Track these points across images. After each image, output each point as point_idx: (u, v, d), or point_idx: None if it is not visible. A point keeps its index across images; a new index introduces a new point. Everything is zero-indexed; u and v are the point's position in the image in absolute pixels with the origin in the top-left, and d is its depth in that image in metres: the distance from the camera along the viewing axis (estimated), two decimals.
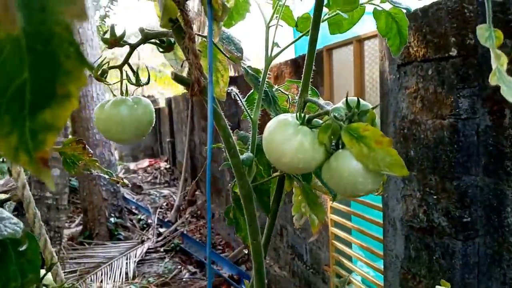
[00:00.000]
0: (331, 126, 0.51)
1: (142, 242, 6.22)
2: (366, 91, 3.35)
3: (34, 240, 0.45)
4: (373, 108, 0.52)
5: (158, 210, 7.85)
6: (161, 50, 0.60)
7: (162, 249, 6.02)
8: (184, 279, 5.19)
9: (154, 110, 0.64)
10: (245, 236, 0.65)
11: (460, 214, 2.04)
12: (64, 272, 5.07)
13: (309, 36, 0.58)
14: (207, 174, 0.48)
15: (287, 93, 0.75)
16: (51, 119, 0.22)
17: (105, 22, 9.72)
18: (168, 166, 10.90)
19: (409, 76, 2.48)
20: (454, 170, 2.02)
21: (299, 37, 0.69)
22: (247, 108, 0.66)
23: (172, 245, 6.08)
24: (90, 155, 0.63)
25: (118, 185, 7.15)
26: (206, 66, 0.65)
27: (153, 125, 0.63)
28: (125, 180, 0.67)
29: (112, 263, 5.60)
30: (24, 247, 0.41)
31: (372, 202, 2.86)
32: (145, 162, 11.79)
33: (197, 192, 7.67)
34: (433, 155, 2.20)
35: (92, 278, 5.19)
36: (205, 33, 0.62)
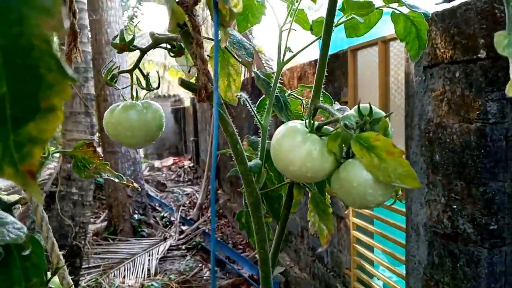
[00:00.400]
0: (341, 135, 0.49)
1: (165, 239, 6.29)
2: (391, 92, 3.29)
3: (39, 244, 0.46)
4: (386, 117, 0.50)
5: (181, 208, 7.93)
6: (172, 54, 0.60)
7: (183, 247, 6.08)
8: (204, 277, 5.22)
9: (163, 114, 0.63)
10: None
11: (486, 221, 1.98)
12: (88, 267, 5.19)
13: (321, 41, 0.56)
14: (212, 181, 0.47)
15: (301, 97, 0.74)
16: (36, 132, 0.21)
17: (133, 22, 9.88)
18: (191, 164, 11.00)
19: (436, 78, 2.43)
20: (481, 176, 1.96)
21: (313, 41, 0.68)
22: (256, 114, 0.65)
23: (194, 243, 6.13)
24: (101, 158, 0.63)
25: (142, 182, 7.27)
26: (218, 69, 0.65)
27: (163, 129, 0.63)
28: (135, 184, 0.67)
29: (135, 259, 5.69)
30: (27, 252, 0.42)
31: (395, 206, 2.80)
32: (169, 160, 11.94)
33: (219, 191, 7.71)
34: (459, 160, 2.14)
35: (115, 274, 5.28)
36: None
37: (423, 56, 2.55)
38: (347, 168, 0.50)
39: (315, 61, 4.03)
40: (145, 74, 0.63)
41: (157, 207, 8.05)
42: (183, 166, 11.13)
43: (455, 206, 2.20)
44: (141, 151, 12.76)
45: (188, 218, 7.26)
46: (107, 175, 0.65)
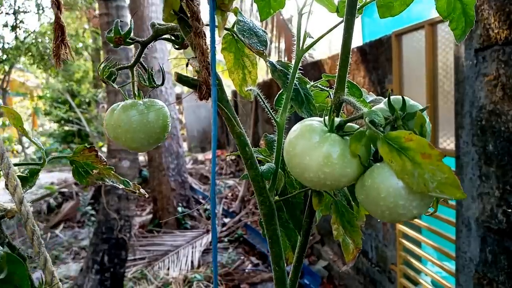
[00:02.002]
0: (366, 134, 0.41)
1: (208, 231, 6.36)
2: (439, 78, 3.12)
3: (21, 264, 0.42)
4: (422, 110, 0.42)
5: (224, 200, 7.99)
6: (176, 47, 0.54)
7: (226, 239, 6.12)
8: (246, 270, 5.23)
9: (168, 114, 0.57)
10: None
11: None
12: (134, 259, 5.34)
13: (344, 23, 0.48)
14: (211, 188, 0.41)
15: (327, 89, 0.66)
16: None
17: None
18: (233, 157, 11.05)
19: (489, 62, 2.26)
20: None
21: (337, 25, 0.60)
22: (272, 110, 0.58)
23: (236, 235, 6.15)
24: (104, 163, 0.58)
25: (185, 175, 7.38)
26: (232, 60, 0.58)
27: (168, 131, 0.57)
28: (141, 190, 0.62)
29: (178, 251, 5.79)
30: (2, 275, 0.38)
31: None
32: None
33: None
34: None
35: (160, 266, 5.39)
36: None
37: (474, 38, 2.37)
38: (373, 175, 0.42)
39: (358, 48, 3.89)
40: (148, 69, 0.57)
41: (201, 200, 8.16)
42: (225, 159, 11.20)
43: (511, 200, 2.05)
44: (185, 145, 13.00)
45: (231, 210, 7.29)
46: (112, 181, 0.60)
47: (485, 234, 2.24)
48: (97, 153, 0.58)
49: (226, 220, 6.90)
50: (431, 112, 3.15)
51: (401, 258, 3.21)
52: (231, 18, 0.53)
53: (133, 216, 5.23)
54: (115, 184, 0.59)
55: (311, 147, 0.44)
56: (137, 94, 0.58)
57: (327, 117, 0.45)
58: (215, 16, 0.36)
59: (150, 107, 0.56)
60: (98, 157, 0.58)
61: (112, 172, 0.60)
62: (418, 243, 3.06)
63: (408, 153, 0.38)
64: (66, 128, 13.00)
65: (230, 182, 9.29)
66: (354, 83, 0.58)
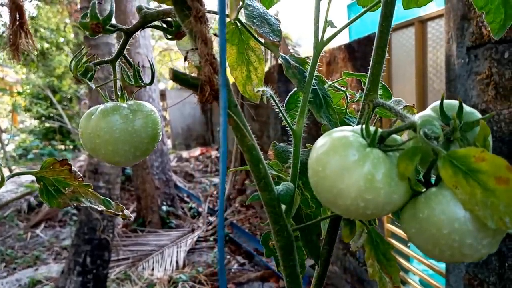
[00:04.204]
0: (420, 151, 0.32)
1: (193, 230, 6.25)
2: (429, 77, 3.08)
3: None
4: (484, 118, 0.33)
5: (209, 198, 7.88)
6: (168, 36, 0.44)
7: (211, 238, 6.02)
8: (232, 270, 5.15)
9: (159, 119, 0.47)
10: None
11: None
12: (118, 259, 5.21)
13: (380, 11, 0.39)
14: (220, 204, 0.32)
15: (343, 89, 0.57)
16: None
17: None
18: (219, 154, 10.92)
19: (481, 60, 2.22)
20: None
21: (363, 13, 0.51)
22: (286, 115, 0.48)
23: None
24: (80, 179, 0.48)
25: (170, 173, 7.27)
26: (235, 54, 0.49)
27: (158, 141, 0.47)
28: (125, 212, 0.53)
29: (163, 251, 5.68)
30: None
31: None
32: (197, 151, 11.91)
33: (246, 181, 7.61)
34: (508, 150, 1.96)
35: (144, 266, 5.28)
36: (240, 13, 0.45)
37: (466, 36, 2.33)
38: (431, 204, 0.32)
39: (346, 45, 3.83)
40: (133, 64, 0.47)
41: (186, 198, 8.04)
42: (211, 156, 11.08)
43: None
44: (169, 142, 12.82)
45: (216, 208, 7.20)
46: (90, 201, 0.50)
47: None
48: (71, 168, 0.48)
49: (212, 218, 6.80)
50: (421, 110, 3.11)
51: (403, 229, 3.18)
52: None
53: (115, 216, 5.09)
54: (93, 206, 0.49)
55: (348, 167, 0.34)
56: (120, 95, 0.48)
57: (363, 127, 0.35)
58: None
59: (136, 112, 0.45)
60: (72, 172, 0.48)
61: (90, 190, 0.50)
62: (406, 242, 3.03)
63: (479, 177, 0.29)
64: (47, 124, 12.73)
65: (216, 180, 9.18)
66: (384, 84, 0.49)
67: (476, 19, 2.13)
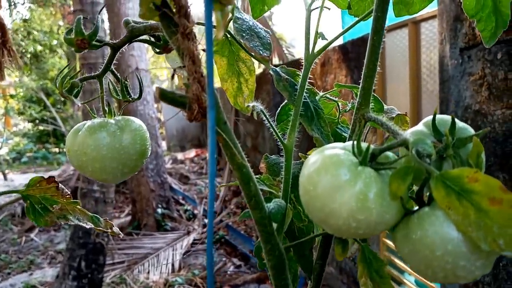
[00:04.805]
0: (412, 170, 0.31)
1: (188, 233, 6.23)
2: (422, 78, 3.09)
3: None
4: (478, 135, 0.32)
5: (204, 200, 7.87)
6: (157, 50, 0.44)
7: (207, 241, 6.00)
8: (228, 272, 5.14)
9: (147, 135, 0.46)
10: None
11: None
12: (113, 263, 5.18)
13: (371, 25, 0.39)
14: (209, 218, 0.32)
15: (335, 99, 0.56)
16: None
17: None
18: (214, 156, 10.88)
19: (474, 61, 2.22)
20: None
21: (354, 24, 0.50)
22: (277, 129, 0.47)
23: (217, 236, 6.05)
24: (68, 196, 0.47)
25: (164, 175, 7.25)
26: (225, 66, 0.48)
27: (147, 156, 0.46)
28: (115, 229, 0.52)
29: (159, 254, 5.66)
30: None
31: None
32: (192, 152, 11.88)
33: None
34: (502, 150, 1.96)
35: (140, 269, 5.25)
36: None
37: (459, 36, 2.34)
38: (424, 225, 0.31)
39: (340, 46, 3.83)
40: (121, 79, 0.46)
41: (181, 200, 8.02)
42: (206, 158, 11.06)
43: None
44: (164, 144, 12.78)
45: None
46: (78, 218, 0.49)
47: None
48: (58, 185, 0.47)
49: (207, 221, 6.78)
50: (415, 112, 3.13)
51: (385, 258, 3.18)
52: None
53: (111, 220, 5.05)
54: (81, 223, 0.48)
55: (339, 187, 0.33)
56: (107, 111, 0.47)
57: (355, 144, 0.34)
58: (213, 11, 0.26)
59: (124, 128, 0.44)
60: (59, 189, 0.47)
61: (78, 207, 0.49)
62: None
63: (472, 197, 0.28)
64: (41, 127, 12.66)
65: None
66: (376, 96, 0.48)
67: (469, 21, 2.14)
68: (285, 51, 7.37)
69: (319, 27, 0.47)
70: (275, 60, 6.32)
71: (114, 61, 0.46)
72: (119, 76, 0.46)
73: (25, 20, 9.76)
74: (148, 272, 5.21)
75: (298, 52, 7.58)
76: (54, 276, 5.07)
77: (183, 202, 8.00)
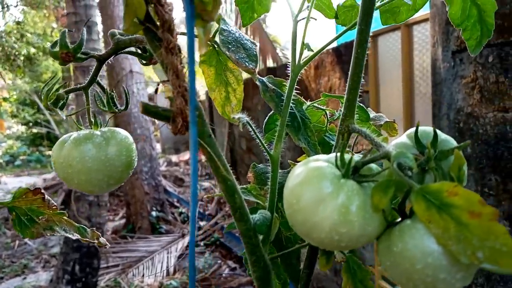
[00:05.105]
0: (394, 183, 0.32)
1: (183, 236, 6.21)
2: (415, 80, 3.11)
3: None
4: (460, 147, 0.33)
5: (199, 203, 7.86)
6: (143, 62, 0.44)
7: (202, 243, 5.99)
8: (223, 275, 5.13)
9: (134, 146, 0.46)
10: None
11: None
12: (107, 266, 5.16)
13: (355, 39, 0.39)
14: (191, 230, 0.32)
15: (323, 107, 0.56)
16: None
17: None
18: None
19: (466, 64, 2.24)
20: None
21: (341, 34, 0.50)
22: (263, 140, 0.48)
23: (212, 239, 6.03)
24: (54, 207, 0.47)
25: (159, 178, 7.23)
26: (213, 76, 0.49)
27: (133, 167, 0.46)
28: (101, 239, 0.52)
29: (153, 257, 5.63)
30: None
31: None
32: (186, 155, 11.85)
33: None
34: (494, 153, 1.98)
35: (134, 273, 5.23)
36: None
37: (451, 40, 2.36)
38: (404, 238, 0.31)
39: (333, 49, 3.84)
40: (106, 90, 0.46)
41: (175, 203, 8.00)
42: (200, 160, 11.05)
43: (489, 202, 2.03)
44: (158, 146, 12.75)
45: (206, 213, 7.17)
46: (64, 229, 0.48)
47: None
48: (44, 196, 0.47)
49: (202, 223, 6.77)
50: (408, 114, 3.14)
51: (379, 260, 3.18)
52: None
53: (105, 223, 5.04)
54: (68, 234, 0.48)
55: (322, 200, 0.33)
56: (93, 122, 0.47)
57: (338, 156, 0.35)
58: (195, 27, 0.26)
59: (109, 140, 0.44)
60: (45, 200, 0.47)
61: (65, 218, 0.48)
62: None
63: (452, 211, 0.28)
64: (35, 130, 12.60)
65: (206, 184, 9.15)
66: (361, 104, 0.49)
67: None
68: (280, 54, 7.39)
69: (308, 35, 0.48)
70: (270, 63, 6.34)
71: (109, 63, 0.46)
72: (105, 87, 0.46)
73: (18, 23, 9.72)
74: (143, 276, 5.19)
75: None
76: (48, 280, 5.04)
77: (177, 204, 7.98)
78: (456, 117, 2.26)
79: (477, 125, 2.11)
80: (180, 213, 7.38)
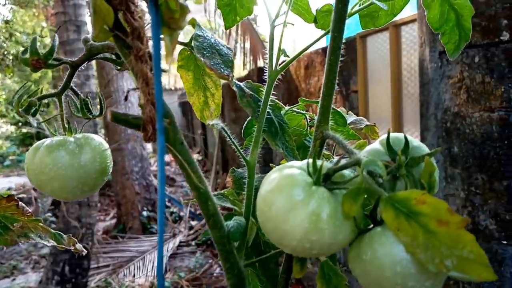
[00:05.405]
0: (363, 191, 0.32)
1: (174, 235, 6.20)
2: (403, 80, 3.13)
3: None
4: (430, 155, 0.33)
5: (190, 202, 7.84)
6: (118, 68, 0.43)
7: (193, 243, 5.98)
8: (214, 274, 5.13)
9: (108, 152, 0.46)
10: None
11: (510, 217, 1.85)
12: (98, 267, 5.13)
13: (329, 43, 0.39)
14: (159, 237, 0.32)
15: (303, 112, 0.56)
16: None
17: None
18: (200, 158, 10.87)
19: (453, 64, 2.27)
20: (504, 169, 1.83)
21: (318, 39, 0.50)
22: (239, 149, 0.47)
23: (204, 238, 6.03)
24: (29, 214, 0.46)
25: (150, 178, 7.20)
26: (191, 80, 0.48)
27: (108, 174, 0.46)
28: (78, 246, 0.51)
29: (144, 257, 5.61)
30: None
31: None
32: None
33: (228, 185, 7.59)
34: (480, 152, 2.00)
35: (125, 273, 5.20)
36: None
37: (438, 40, 2.38)
38: (374, 246, 0.31)
39: (323, 49, 3.85)
40: (81, 97, 0.46)
41: (167, 203, 7.98)
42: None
43: (475, 201, 2.07)
44: (149, 146, 12.69)
45: (198, 212, 7.15)
46: (40, 236, 0.48)
47: None
48: (18, 203, 0.46)
49: (194, 223, 6.76)
50: (396, 114, 3.17)
51: (350, 267, 3.20)
52: (189, 30, 0.43)
53: (95, 223, 5.01)
54: (43, 241, 0.47)
55: (293, 207, 0.33)
56: (67, 128, 0.46)
57: (310, 163, 0.34)
58: (162, 36, 0.26)
59: (83, 146, 0.44)
60: (19, 207, 0.46)
61: (40, 224, 0.48)
62: None
63: (420, 219, 0.28)
64: (24, 130, 12.48)
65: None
66: (338, 109, 0.49)
67: None
68: (268, 53, 7.38)
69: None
70: (260, 62, 6.33)
71: (99, 63, 0.45)
72: (79, 93, 0.46)
73: (7, 22, 9.60)
74: (134, 276, 5.17)
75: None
76: (37, 281, 5.00)
77: (169, 204, 7.95)
78: (443, 117, 2.28)
79: (463, 124, 2.13)
80: (171, 213, 7.36)
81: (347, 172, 0.36)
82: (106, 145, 0.47)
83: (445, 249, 0.28)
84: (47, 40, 10.58)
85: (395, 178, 0.33)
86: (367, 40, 3.36)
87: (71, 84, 0.44)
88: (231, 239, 0.40)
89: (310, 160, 0.35)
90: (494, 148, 1.83)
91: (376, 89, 3.38)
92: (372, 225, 0.34)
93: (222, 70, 0.42)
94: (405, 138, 0.34)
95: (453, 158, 2.17)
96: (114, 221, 7.01)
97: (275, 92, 0.48)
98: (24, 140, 12.76)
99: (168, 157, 11.79)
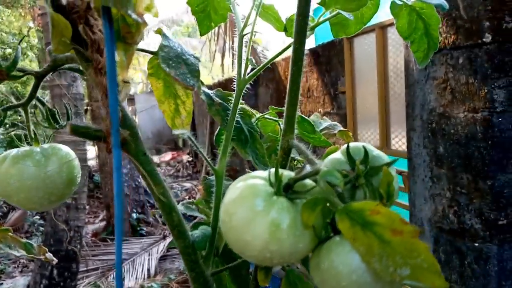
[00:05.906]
0: (321, 201, 0.32)
1: (164, 237, 6.18)
2: (390, 81, 3.16)
3: None
4: (388, 164, 0.33)
5: (180, 203, 7.81)
6: (85, 78, 0.43)
7: None
8: None
9: (76, 162, 0.46)
10: None
11: (495, 216, 1.88)
12: (87, 270, 5.09)
13: (291, 54, 0.39)
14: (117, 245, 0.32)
15: (275, 119, 0.57)
16: None
17: None
18: (190, 159, 10.84)
19: (437, 66, 2.29)
20: (488, 168, 1.86)
21: (286, 48, 0.51)
22: (208, 159, 0.48)
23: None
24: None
25: (139, 180, 7.16)
26: (162, 88, 0.49)
27: (76, 184, 0.46)
28: (48, 255, 0.51)
29: (134, 259, 5.59)
30: None
31: (398, 200, 2.68)
32: (168, 155, 11.78)
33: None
34: (465, 152, 2.03)
35: (114, 276, 5.17)
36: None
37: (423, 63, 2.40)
38: (331, 256, 0.32)
39: (311, 50, 3.87)
40: (47, 107, 0.46)
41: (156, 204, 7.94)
42: (182, 161, 10.99)
43: (461, 201, 2.10)
44: None
45: (188, 214, 7.13)
46: (9, 245, 0.48)
47: (437, 234, 2.27)
48: None
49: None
50: (383, 114, 3.19)
51: (311, 276, 3.22)
52: (157, 39, 0.43)
53: (83, 226, 4.97)
54: (13, 251, 0.47)
55: (253, 218, 0.33)
56: (34, 139, 0.46)
57: (272, 171, 0.35)
58: (116, 52, 0.26)
59: (50, 157, 0.44)
60: None
61: (10, 234, 0.48)
62: None
63: (375, 229, 0.29)
64: (12, 132, 12.34)
65: (187, 184, 9.11)
66: (306, 117, 0.49)
67: None
68: (260, 54, 7.41)
69: (249, 54, 0.48)
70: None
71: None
72: (45, 103, 0.46)
73: None
74: (123, 278, 5.14)
75: (272, 55, 7.62)
76: (25, 285, 4.95)
77: None
78: (429, 118, 2.31)
79: (448, 125, 2.16)
80: (161, 215, 7.34)
81: (309, 181, 0.36)
82: (74, 155, 0.46)
83: (399, 258, 0.28)
84: (34, 41, 10.46)
85: (354, 187, 0.33)
86: (354, 41, 3.38)
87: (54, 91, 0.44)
88: (196, 248, 0.40)
89: (272, 170, 0.35)
90: (478, 148, 1.86)
91: (363, 90, 3.40)
92: (331, 235, 0.35)
93: (188, 81, 0.42)
94: (364, 148, 0.35)
95: (438, 158, 2.19)
96: (103, 223, 6.96)
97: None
98: (12, 142, 12.62)
99: (157, 158, 11.73)
